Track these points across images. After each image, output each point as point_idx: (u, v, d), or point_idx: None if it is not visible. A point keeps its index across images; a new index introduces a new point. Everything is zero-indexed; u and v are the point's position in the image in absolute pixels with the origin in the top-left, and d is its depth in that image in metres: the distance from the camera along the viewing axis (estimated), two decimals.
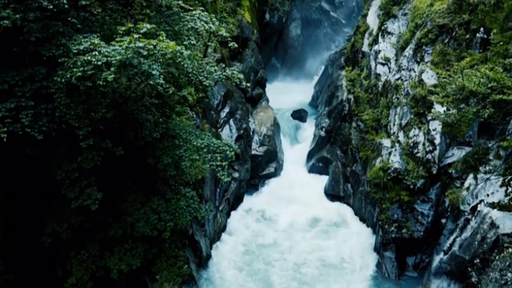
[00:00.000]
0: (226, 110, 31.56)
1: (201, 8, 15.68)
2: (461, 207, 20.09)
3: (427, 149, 21.83)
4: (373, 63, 30.83)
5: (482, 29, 22.45)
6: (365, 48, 33.41)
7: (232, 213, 28.28)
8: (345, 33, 52.75)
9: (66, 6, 11.57)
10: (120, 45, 11.18)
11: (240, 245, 24.76)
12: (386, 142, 24.49)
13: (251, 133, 34.14)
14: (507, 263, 17.03)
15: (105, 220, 16.31)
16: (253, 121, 35.75)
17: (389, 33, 30.48)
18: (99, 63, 11.01)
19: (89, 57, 11.11)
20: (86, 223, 15.71)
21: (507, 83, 10.29)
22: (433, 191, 22.02)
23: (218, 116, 30.73)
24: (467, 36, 22.99)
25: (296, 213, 27.75)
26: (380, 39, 31.10)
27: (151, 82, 12.16)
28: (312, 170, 34.81)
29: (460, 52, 22.86)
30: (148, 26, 11.98)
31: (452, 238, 20.52)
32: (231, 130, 31.13)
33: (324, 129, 35.37)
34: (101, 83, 11.07)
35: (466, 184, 18.82)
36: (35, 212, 15.46)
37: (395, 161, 22.86)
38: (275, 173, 34.14)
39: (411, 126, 23.17)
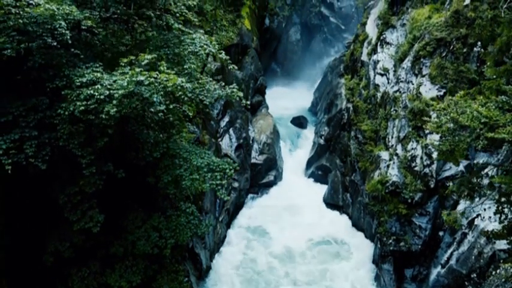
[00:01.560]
0: (226, 119, 31.75)
1: (201, 31, 15.88)
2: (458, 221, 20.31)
3: (425, 163, 22.02)
4: (372, 73, 31.03)
5: (479, 43, 22.68)
6: (364, 57, 33.61)
7: (232, 223, 28.47)
8: (344, 38, 52.97)
9: (70, 41, 11.78)
10: (122, 79, 11.38)
11: (238, 263, 24.71)
12: (385, 155, 24.72)
13: (251, 141, 34.35)
14: (503, 279, 17.25)
15: (107, 238, 16.53)
16: (253, 129, 35.96)
17: (388, 43, 30.68)
18: (102, 97, 11.23)
19: (92, 91, 11.32)
20: (87, 242, 15.93)
21: (499, 120, 10.49)
22: (431, 204, 22.23)
23: (218, 126, 30.93)
24: (465, 50, 23.17)
25: (295, 227, 27.66)
26: (379, 49, 31.30)
27: (152, 109, 12.39)
28: (311, 177, 35.05)
29: (458, 66, 23.04)
30: (149, 57, 12.18)
31: (449, 252, 20.77)
32: (230, 139, 31.34)
33: (323, 137, 35.59)
34: (103, 116, 11.30)
35: (461, 207, 19.03)
36: (38, 231, 15.67)
37: (394, 174, 23.08)
38: (274, 181, 34.35)
39: (409, 139, 23.38)
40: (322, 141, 35.44)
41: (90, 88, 11.36)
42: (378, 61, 30.53)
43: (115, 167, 14.71)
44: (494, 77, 12.84)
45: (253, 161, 33.65)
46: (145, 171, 16.27)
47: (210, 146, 27.61)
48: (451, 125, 11.52)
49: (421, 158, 22.31)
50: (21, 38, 11.39)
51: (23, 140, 11.94)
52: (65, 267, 16.40)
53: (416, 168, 22.31)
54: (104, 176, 13.82)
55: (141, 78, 11.23)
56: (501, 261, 17.81)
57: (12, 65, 12.08)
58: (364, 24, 36.94)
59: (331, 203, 31.01)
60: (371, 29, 34.84)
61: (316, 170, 34.82)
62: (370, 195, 24.08)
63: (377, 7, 36.00)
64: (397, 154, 23.61)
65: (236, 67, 17.89)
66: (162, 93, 11.81)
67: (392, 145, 24.63)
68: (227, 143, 30.93)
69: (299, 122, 42.68)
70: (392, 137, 24.89)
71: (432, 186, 21.80)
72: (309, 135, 40.55)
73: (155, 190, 17.66)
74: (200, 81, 16.99)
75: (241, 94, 17.26)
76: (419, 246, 22.04)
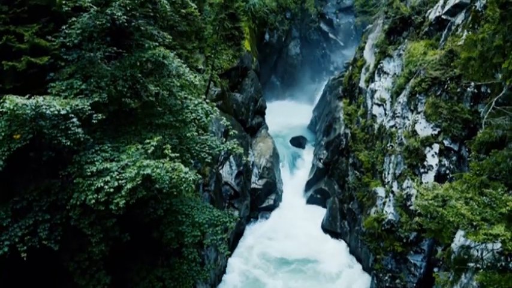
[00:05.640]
0: None
1: (201, 98, 16.51)
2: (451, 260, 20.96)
3: None
4: (369, 102, 31.65)
5: (472, 83, 23.28)
6: (362, 84, 34.22)
7: (233, 252, 29.11)
8: (343, 55, 53.58)
9: (82, 139, 12.45)
10: (130, 171, 12.04)
11: None
12: (381, 191, 25.35)
13: (250, 166, 34.96)
14: None
15: None
16: (253, 153, 36.56)
17: (385, 72, 31.30)
18: (111, 190, 11.92)
19: (102, 184, 12.00)
20: None
21: (481, 221, 11.16)
22: (426, 242, 22.89)
23: (218, 154, 31.54)
24: (459, 90, 23.80)
25: (292, 264, 28.05)
26: (376, 78, 31.92)
27: (158, 186, 13.06)
28: (310, 201, 35.69)
29: (452, 105, 23.68)
30: (155, 142, 12.85)
31: None
32: (231, 167, 31.94)
33: (321, 160, 36.22)
34: (113, 207, 11.98)
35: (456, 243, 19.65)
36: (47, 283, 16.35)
37: (389, 212, 23.74)
38: (274, 205, 35.01)
39: (404, 176, 24.02)
40: (320, 165, 36.08)
41: (100, 180, 12.03)
42: (376, 90, 31.14)
43: (120, 227, 15.37)
44: (478, 170, 13.55)
45: (253, 185, 34.27)
46: (150, 226, 16.93)
47: (211, 177, 28.29)
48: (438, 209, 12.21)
49: (416, 197, 22.93)
50: (36, 128, 12.02)
51: (37, 223, 12.64)
52: None
53: (411, 207, 22.96)
54: (111, 242, 14.50)
55: (148, 171, 11.90)
56: None
57: (24, 144, 12.71)
58: (362, 48, 37.49)
59: (329, 229, 31.66)
60: (368, 55, 35.43)
61: (315, 193, 35.48)
62: (367, 232, 24.76)
63: (375, 32, 36.56)
64: (393, 192, 24.25)
65: (230, 125, 18.49)
66: (167, 182, 12.48)
67: (388, 181, 25.26)
68: (227, 171, 31.54)
69: (298, 142, 43.37)
70: (388, 173, 25.53)
71: None
72: (308, 155, 41.19)
73: (159, 240, 18.34)
74: (202, 136, 17.70)
75: (241, 150, 17.99)
76: (414, 285, 22.73)
